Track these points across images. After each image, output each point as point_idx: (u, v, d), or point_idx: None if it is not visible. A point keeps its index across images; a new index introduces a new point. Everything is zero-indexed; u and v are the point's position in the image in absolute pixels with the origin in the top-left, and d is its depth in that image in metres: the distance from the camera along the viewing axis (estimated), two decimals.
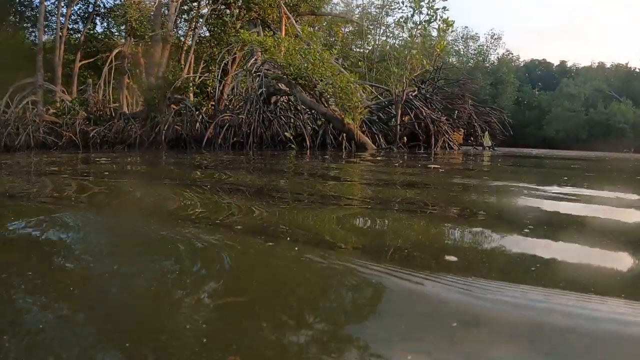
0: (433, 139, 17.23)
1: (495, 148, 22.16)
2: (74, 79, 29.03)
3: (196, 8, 25.02)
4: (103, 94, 25.69)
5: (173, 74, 21.13)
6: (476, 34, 58.76)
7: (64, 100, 24.38)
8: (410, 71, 17.02)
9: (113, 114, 22.17)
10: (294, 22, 21.47)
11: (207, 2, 24.38)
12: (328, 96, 16.19)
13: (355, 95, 14.91)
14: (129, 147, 19.37)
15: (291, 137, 15.74)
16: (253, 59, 19.41)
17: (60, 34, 27.87)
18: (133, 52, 24.05)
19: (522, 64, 61.30)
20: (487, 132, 21.64)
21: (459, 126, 19.87)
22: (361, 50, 38.77)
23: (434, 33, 18.80)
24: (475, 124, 21.05)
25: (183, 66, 22.65)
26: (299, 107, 17.69)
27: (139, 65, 23.82)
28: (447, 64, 32.71)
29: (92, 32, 31.90)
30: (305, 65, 15.83)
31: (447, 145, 18.21)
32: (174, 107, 20.44)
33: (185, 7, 24.70)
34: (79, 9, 32.46)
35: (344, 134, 15.78)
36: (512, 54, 61.09)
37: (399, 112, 17.36)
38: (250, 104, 17.72)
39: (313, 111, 17.38)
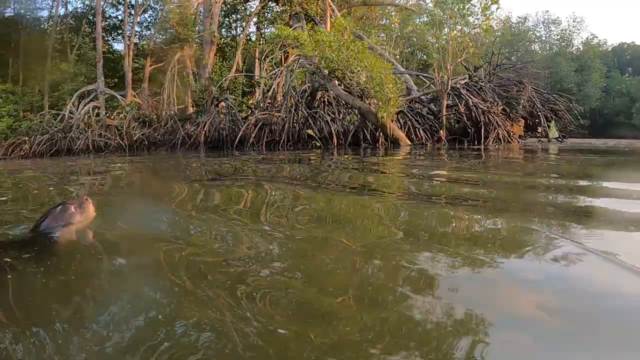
0: (483, 132, 15.27)
1: (564, 140, 19.60)
2: (145, 83, 29.51)
3: (243, 8, 24.35)
4: (168, 97, 25.79)
5: (219, 74, 20.59)
6: (557, 17, 54.12)
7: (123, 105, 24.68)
8: (453, 57, 15.08)
9: (167, 117, 21.96)
10: (338, 14, 20.16)
11: None
12: (359, 88, 14.73)
13: (386, 86, 13.35)
14: (172, 148, 19.02)
15: (314, 135, 14.43)
16: (294, 56, 18.33)
17: (128, 42, 28.39)
18: (181, 55, 23.83)
19: (609, 49, 55.59)
20: (553, 122, 19.14)
21: (517, 117, 17.56)
22: (434, 41, 36.39)
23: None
24: (539, 113, 18.66)
25: (231, 66, 22.03)
26: (341, 103, 16.44)
27: (187, 68, 23.55)
28: (506, 50, 29.53)
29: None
30: (337, 57, 14.49)
31: (503, 138, 16.15)
32: (222, 107, 19.90)
33: (230, 7, 24.11)
34: (149, 15, 33.12)
35: (380, 130, 14.30)
36: (597, 37, 55.79)
37: (444, 102, 15.55)
38: (289, 100, 16.70)
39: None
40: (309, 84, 17.53)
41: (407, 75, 19.13)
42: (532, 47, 53.04)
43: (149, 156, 15.43)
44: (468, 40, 15.47)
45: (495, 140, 16.05)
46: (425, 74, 18.47)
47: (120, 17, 34.20)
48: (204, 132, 18.19)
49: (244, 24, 24.21)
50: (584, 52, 50.90)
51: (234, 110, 18.56)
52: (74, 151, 21.82)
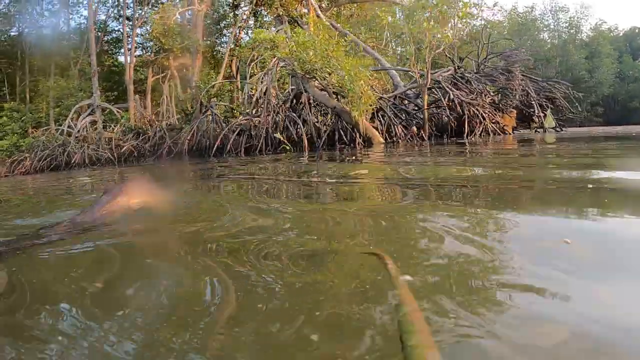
0: (467, 125, 14.37)
1: (563, 129, 18.48)
2: (147, 94, 29.26)
3: (232, 14, 23.84)
4: (167, 107, 25.45)
5: (205, 82, 20.10)
6: (565, 5, 52.37)
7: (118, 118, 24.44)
8: (430, 48, 14.17)
9: (156, 127, 21.56)
10: (320, 14, 19.43)
11: (243, 5, 23.16)
12: (334, 88, 13.98)
13: (357, 83, 12.56)
14: (158, 158, 18.58)
15: (282, 139, 13.71)
16: (275, 59, 17.72)
17: (129, 54, 28.18)
18: (180, 65, 23.42)
19: (620, 34, 53.28)
20: (549, 111, 18.05)
21: (507, 108, 16.54)
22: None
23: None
24: (533, 102, 17.62)
25: (218, 73, 21.54)
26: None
27: (174, 78, 23.13)
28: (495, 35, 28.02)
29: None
30: (311, 57, 13.78)
31: (492, 131, 15.21)
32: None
33: (219, 15, 23.64)
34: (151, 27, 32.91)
35: (356, 129, 13.54)
36: (606, 22, 53.71)
37: (425, 97, 14.68)
38: (268, 105, 16.05)
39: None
40: (293, 87, 16.87)
41: (394, 71, 18.25)
42: (541, 35, 51.43)
43: (123, 168, 15.01)
44: (445, 30, 14.52)
45: (484, 133, 15.14)
46: (410, 70, 17.57)
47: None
48: (187, 140, 17.66)
49: (233, 30, 23.64)
50: (593, 39, 49.04)
51: (217, 118, 17.99)
52: (70, 165, 21.67)
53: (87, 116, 24.46)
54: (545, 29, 52.33)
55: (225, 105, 19.91)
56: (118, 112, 24.86)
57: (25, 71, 33.39)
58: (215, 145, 15.72)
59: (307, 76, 14.47)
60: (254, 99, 17.18)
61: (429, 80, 14.47)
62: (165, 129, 20.23)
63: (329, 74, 13.76)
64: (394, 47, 27.17)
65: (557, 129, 17.99)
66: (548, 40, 51.38)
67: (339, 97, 14.32)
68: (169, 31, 20.45)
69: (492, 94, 17.21)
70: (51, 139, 23.89)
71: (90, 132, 23.76)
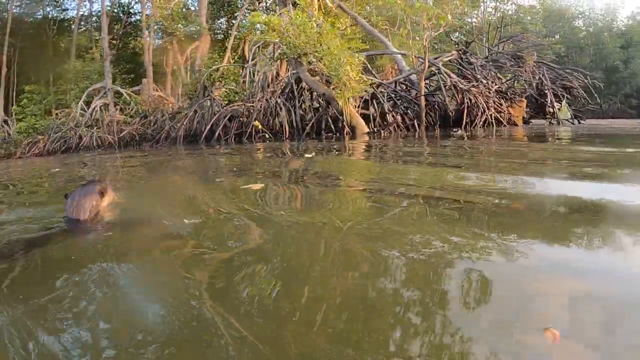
0: (464, 116, 13.15)
1: (581, 121, 16.97)
2: (168, 77, 28.78)
3: None
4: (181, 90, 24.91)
5: (209, 67, 19.38)
6: None
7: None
8: (424, 30, 12.93)
9: (158, 112, 20.97)
10: None
11: None
12: (324, 73, 12.94)
13: (342, 68, 11.50)
14: (156, 143, 17.99)
15: (260, 127, 12.80)
16: (273, 43, 16.77)
17: (148, 37, 27.73)
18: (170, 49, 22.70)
19: None
20: (564, 102, 16.56)
21: (515, 97, 15.14)
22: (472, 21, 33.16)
23: None
24: (547, 91, 16.17)
25: (221, 58, 20.75)
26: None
27: (178, 62, 22.43)
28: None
29: None
30: (300, 41, 12.77)
31: (499, 122, 13.93)
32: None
33: None
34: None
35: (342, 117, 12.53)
36: None
37: (422, 83, 13.47)
38: (262, 90, 15.17)
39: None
40: (294, 72, 15.93)
41: (399, 55, 17.02)
42: (575, 23, 48.62)
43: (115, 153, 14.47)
44: (442, 11, 13.21)
45: (488, 124, 13.88)
46: (403, 53, 16.26)
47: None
48: (183, 125, 16.97)
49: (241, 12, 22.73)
50: (630, 28, 45.98)
51: (218, 102, 17.21)
52: (79, 148, 21.44)
53: (99, 99, 24.17)
54: (580, 15, 49.44)
55: (228, 90, 19.13)
56: (129, 95, 24.46)
57: (49, 54, 33.52)
58: (205, 131, 14.95)
59: (298, 60, 13.51)
60: (248, 84, 16.33)
61: (427, 65, 13.26)
62: (167, 113, 19.60)
63: (321, 59, 12.74)
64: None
65: (573, 120, 16.51)
66: (583, 27, 48.56)
67: (329, 83, 13.32)
68: (173, 15, 19.75)
69: (503, 81, 15.87)
70: (65, 122, 23.73)
71: (101, 115, 23.47)
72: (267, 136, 12.56)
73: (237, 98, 18.23)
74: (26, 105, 27.70)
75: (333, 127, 12.93)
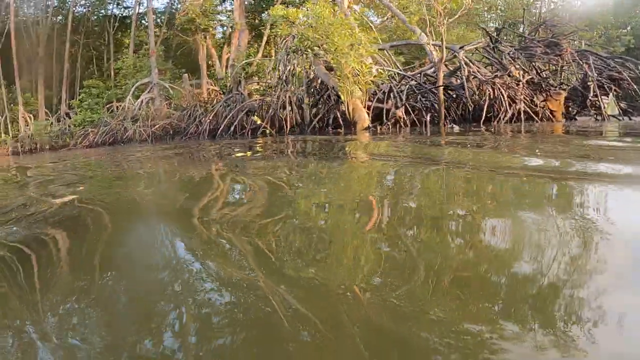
0: (485, 108, 12.12)
1: (631, 117, 15.26)
2: (203, 72, 29.25)
3: None
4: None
5: (242, 61, 19.37)
6: None
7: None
8: (438, 16, 11.96)
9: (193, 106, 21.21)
10: None
11: None
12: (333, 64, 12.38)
13: (346, 62, 10.91)
14: (185, 137, 18.23)
15: (261, 122, 12.43)
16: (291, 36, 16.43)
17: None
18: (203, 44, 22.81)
19: None
20: (611, 96, 14.94)
21: (549, 89, 13.78)
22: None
23: None
24: (590, 83, 14.64)
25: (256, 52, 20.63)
26: None
27: (212, 57, 22.54)
28: None
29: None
30: (312, 33, 12.33)
31: (528, 116, 12.75)
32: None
33: None
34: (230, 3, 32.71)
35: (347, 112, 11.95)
36: None
37: (440, 74, 12.53)
38: (282, 84, 14.84)
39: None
40: (315, 66, 15.52)
41: (429, 46, 16.07)
42: None
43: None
44: None
45: (515, 119, 12.73)
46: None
47: None
48: (209, 120, 17.01)
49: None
50: None
51: (242, 97, 17.11)
52: (122, 141, 22.22)
53: (146, 94, 24.89)
54: None
55: (259, 84, 19.03)
56: (172, 89, 25.00)
57: (110, 50, 35.09)
58: (222, 126, 14.87)
59: (312, 53, 13.07)
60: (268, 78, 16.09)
61: (444, 55, 12.34)
62: (199, 107, 19.77)
63: (332, 52, 12.21)
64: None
65: (620, 117, 14.85)
66: None
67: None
68: (207, 11, 19.87)
69: (540, 71, 14.55)
70: (113, 115, 24.67)
71: (146, 109, 24.14)
72: (267, 131, 12.25)
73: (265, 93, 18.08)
74: (84, 99, 29.04)
75: (341, 122, 12.38)
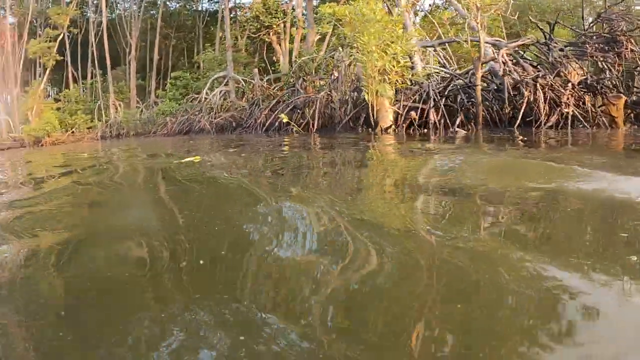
0: (522, 111, 11.54)
1: None
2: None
3: None
4: None
5: (302, 57, 19.89)
6: None
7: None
8: (471, 11, 11.50)
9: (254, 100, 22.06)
10: None
11: None
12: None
13: (371, 61, 10.92)
14: (243, 129, 19.15)
15: (289, 120, 12.70)
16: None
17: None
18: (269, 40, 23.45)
19: None
20: None
21: (605, 91, 12.66)
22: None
23: None
24: None
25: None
26: None
27: (277, 53, 23.16)
28: None
29: None
30: (346, 30, 12.49)
31: (573, 121, 11.88)
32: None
33: None
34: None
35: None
36: None
37: (478, 74, 12.07)
38: (333, 81, 15.14)
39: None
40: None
41: (486, 43, 15.46)
42: None
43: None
44: None
45: (562, 124, 11.91)
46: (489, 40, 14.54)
47: None
48: (263, 114, 17.74)
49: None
50: None
51: (299, 93, 17.63)
52: (195, 131, 23.62)
53: (223, 86, 26.26)
54: None
55: (321, 81, 19.44)
56: (245, 83, 26.13)
57: (199, 43, 37.22)
58: (268, 123, 15.46)
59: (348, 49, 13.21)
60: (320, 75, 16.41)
61: (483, 53, 11.90)
62: (260, 101, 20.59)
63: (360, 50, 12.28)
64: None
65: None
66: None
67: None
68: (270, 8, 20.54)
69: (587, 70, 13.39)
70: (191, 106, 26.30)
71: (220, 101, 25.48)
72: (294, 129, 12.60)
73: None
74: (170, 89, 31.17)
75: (372, 121, 12.41)
